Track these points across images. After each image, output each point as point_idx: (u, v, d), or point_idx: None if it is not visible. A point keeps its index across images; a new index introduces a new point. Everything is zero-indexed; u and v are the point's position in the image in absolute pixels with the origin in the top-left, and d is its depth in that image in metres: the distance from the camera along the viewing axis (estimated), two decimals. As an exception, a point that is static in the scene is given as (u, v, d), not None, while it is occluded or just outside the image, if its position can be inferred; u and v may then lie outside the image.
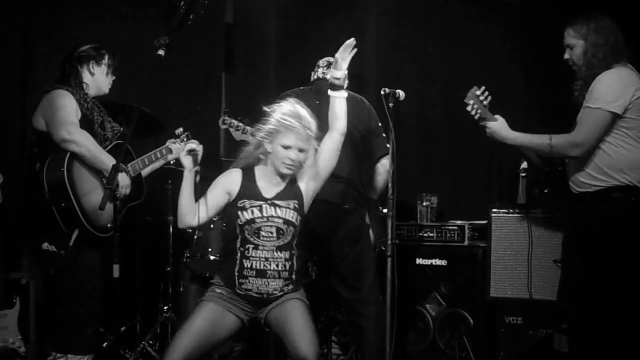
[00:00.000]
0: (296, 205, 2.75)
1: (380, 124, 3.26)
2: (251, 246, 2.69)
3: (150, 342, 3.78)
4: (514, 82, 4.44)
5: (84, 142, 2.96)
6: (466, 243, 3.83)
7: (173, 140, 3.48)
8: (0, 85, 3.80)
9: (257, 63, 4.80)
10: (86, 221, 2.96)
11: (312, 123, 2.73)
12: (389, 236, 2.95)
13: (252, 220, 2.69)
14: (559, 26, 3.01)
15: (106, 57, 3.24)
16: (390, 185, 2.97)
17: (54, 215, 2.92)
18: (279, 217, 2.71)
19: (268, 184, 2.77)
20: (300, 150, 2.71)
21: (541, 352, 3.54)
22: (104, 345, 3.65)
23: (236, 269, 2.69)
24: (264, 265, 2.68)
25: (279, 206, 2.72)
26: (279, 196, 2.75)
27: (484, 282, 3.71)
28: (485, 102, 3.07)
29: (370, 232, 3.31)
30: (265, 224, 2.70)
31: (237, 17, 4.68)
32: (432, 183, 4.45)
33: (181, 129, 3.49)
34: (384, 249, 3.05)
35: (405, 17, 4.65)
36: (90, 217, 2.97)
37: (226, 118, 3.64)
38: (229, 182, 2.77)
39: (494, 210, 3.73)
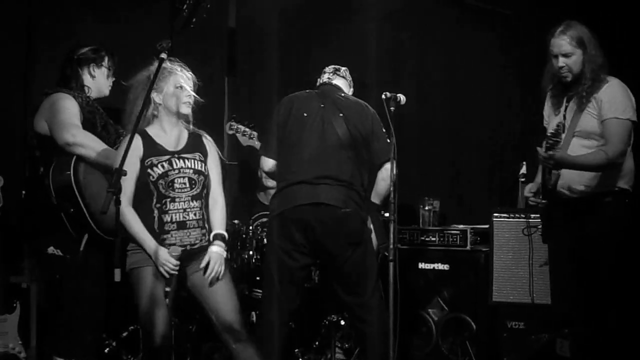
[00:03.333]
0: (201, 157, 2.86)
1: (384, 130, 3.26)
2: (168, 199, 2.76)
3: (152, 347, 3.76)
4: (511, 87, 4.47)
5: (89, 144, 2.95)
6: (468, 247, 3.84)
7: None
8: (3, 87, 3.79)
9: (260, 67, 4.80)
10: (95, 225, 2.93)
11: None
12: (391, 240, 2.95)
13: (165, 174, 2.77)
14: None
15: (106, 58, 3.20)
16: (392, 189, 2.97)
17: (59, 219, 2.90)
18: (189, 168, 2.81)
19: (168, 139, 2.84)
20: (192, 89, 2.85)
21: (543, 356, 3.55)
22: (106, 350, 3.63)
23: (156, 227, 2.75)
24: (183, 216, 2.76)
25: (186, 158, 2.83)
26: (184, 150, 2.85)
27: (486, 286, 3.71)
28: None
29: (373, 237, 3.30)
30: (177, 175, 2.78)
31: (239, 22, 4.69)
32: (434, 187, 4.46)
33: None
34: (386, 254, 3.04)
35: (406, 22, 4.67)
36: (98, 221, 2.94)
37: (233, 123, 3.65)
38: (133, 149, 2.76)
39: (496, 214, 3.74)
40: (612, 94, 2.92)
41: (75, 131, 2.94)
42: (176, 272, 2.66)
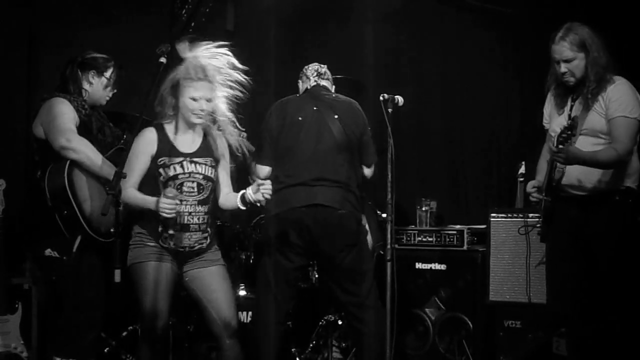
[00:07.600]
0: (212, 163, 2.90)
1: (369, 128, 3.31)
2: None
3: (152, 347, 3.79)
4: (510, 87, 4.49)
5: (82, 150, 2.97)
6: (465, 247, 3.85)
7: None
8: (5, 92, 3.83)
9: (258, 70, 4.83)
10: (88, 227, 2.98)
11: (215, 73, 2.87)
12: (388, 241, 2.97)
13: (175, 177, 2.82)
14: (550, 34, 3.01)
15: (110, 70, 3.20)
16: (389, 190, 2.99)
17: (56, 221, 2.95)
18: (199, 173, 2.85)
19: (183, 140, 2.89)
20: (208, 100, 2.85)
21: (540, 355, 3.56)
22: (106, 350, 3.67)
23: (160, 225, 2.81)
24: (188, 219, 2.82)
25: (198, 163, 2.86)
26: (197, 153, 2.88)
27: (483, 286, 3.73)
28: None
29: (369, 237, 3.32)
30: (187, 179, 2.83)
31: (238, 25, 4.72)
32: (431, 188, 4.48)
33: None
34: (382, 253, 3.07)
35: (403, 24, 4.69)
36: (92, 223, 2.99)
37: None
38: (147, 143, 2.86)
39: (493, 214, 3.76)
40: (620, 93, 2.91)
41: (70, 136, 2.97)
42: (174, 213, 2.71)
